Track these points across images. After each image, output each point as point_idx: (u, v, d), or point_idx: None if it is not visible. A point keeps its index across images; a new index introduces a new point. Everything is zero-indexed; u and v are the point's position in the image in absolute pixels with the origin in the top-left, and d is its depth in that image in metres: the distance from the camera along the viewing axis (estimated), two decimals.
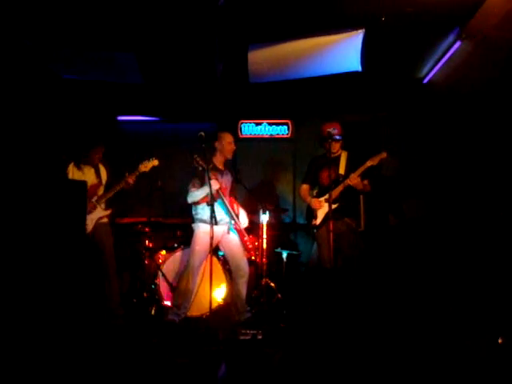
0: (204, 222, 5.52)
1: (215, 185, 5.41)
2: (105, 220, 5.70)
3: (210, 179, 5.23)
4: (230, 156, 5.82)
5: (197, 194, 5.52)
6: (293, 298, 6.46)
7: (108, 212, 5.71)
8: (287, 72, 6.24)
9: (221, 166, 5.77)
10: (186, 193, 5.64)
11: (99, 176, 5.74)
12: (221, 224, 5.58)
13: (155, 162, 5.80)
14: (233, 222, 5.71)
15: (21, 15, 5.04)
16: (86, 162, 5.66)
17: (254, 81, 6.45)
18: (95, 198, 5.61)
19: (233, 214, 5.70)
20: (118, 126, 8.27)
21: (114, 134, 7.89)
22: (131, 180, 5.65)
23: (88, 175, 5.63)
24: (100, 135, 5.90)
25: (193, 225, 5.72)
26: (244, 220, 5.86)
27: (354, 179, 5.42)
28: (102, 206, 5.66)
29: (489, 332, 4.25)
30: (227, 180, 5.83)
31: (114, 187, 5.65)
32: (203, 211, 5.53)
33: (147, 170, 5.76)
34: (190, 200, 5.60)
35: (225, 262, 6.12)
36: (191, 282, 5.49)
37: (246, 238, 5.82)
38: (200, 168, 5.37)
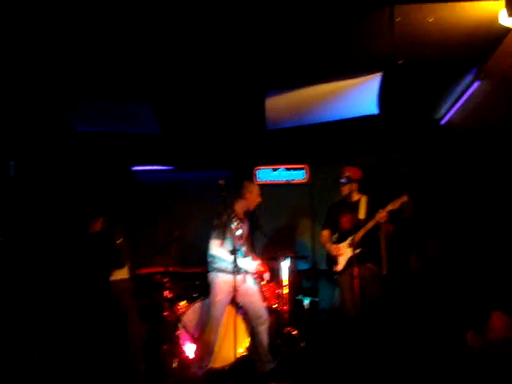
0: (222, 271, 5.40)
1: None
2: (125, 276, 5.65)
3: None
4: (253, 208, 5.76)
5: (221, 253, 5.39)
6: (316, 347, 6.29)
7: (129, 276, 5.68)
8: (305, 118, 6.24)
9: (241, 215, 5.69)
10: (208, 243, 5.50)
11: None
12: (240, 273, 5.47)
13: None
14: None
15: (35, 68, 5.07)
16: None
17: (272, 127, 6.45)
18: None
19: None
20: (133, 176, 8.27)
21: (129, 184, 7.89)
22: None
23: None
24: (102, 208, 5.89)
25: (210, 274, 5.55)
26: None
27: (383, 215, 5.30)
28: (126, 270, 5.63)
29: None
30: (246, 228, 5.77)
31: None
32: (222, 260, 5.40)
33: None
34: (213, 253, 5.46)
35: (245, 312, 5.99)
36: (214, 333, 5.37)
37: (264, 289, 5.75)
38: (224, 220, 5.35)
